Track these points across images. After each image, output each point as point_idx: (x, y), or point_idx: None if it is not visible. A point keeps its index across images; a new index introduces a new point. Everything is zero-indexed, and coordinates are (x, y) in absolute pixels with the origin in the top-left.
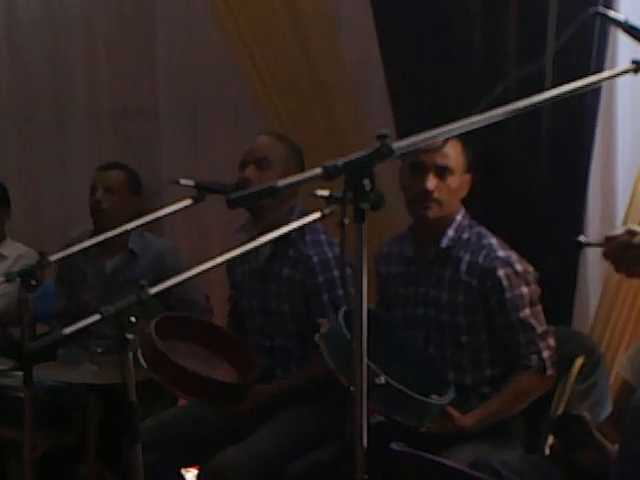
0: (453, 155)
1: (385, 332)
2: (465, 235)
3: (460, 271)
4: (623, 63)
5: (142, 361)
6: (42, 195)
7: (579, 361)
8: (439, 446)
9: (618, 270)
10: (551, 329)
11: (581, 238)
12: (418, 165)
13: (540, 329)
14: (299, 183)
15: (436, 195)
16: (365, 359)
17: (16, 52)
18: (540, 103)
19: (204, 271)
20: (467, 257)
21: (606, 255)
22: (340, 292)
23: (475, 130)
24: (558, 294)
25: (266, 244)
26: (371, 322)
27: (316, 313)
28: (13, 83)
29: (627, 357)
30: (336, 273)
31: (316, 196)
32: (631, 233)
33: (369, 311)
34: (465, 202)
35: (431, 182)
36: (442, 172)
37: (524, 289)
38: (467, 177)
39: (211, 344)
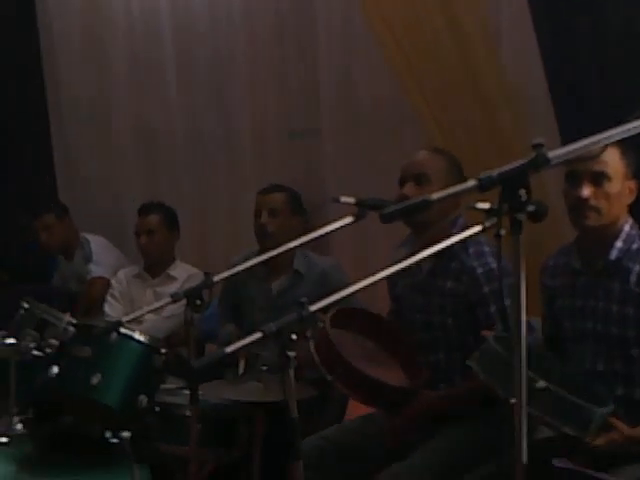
0: (610, 161)
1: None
2: (635, 245)
3: (630, 282)
4: None
5: (315, 356)
6: (211, 218)
7: None
8: (607, 466)
9: None
10: None
11: None
12: (573, 173)
13: None
14: (453, 196)
15: (593, 203)
16: (525, 370)
17: (184, 86)
18: None
19: (365, 286)
20: (637, 268)
21: None
22: (507, 302)
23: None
24: None
25: (428, 258)
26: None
27: (484, 324)
28: (183, 111)
29: None
30: (503, 283)
31: (475, 209)
32: None
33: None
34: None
35: (586, 189)
36: (598, 179)
37: None
38: (631, 184)
39: (384, 340)
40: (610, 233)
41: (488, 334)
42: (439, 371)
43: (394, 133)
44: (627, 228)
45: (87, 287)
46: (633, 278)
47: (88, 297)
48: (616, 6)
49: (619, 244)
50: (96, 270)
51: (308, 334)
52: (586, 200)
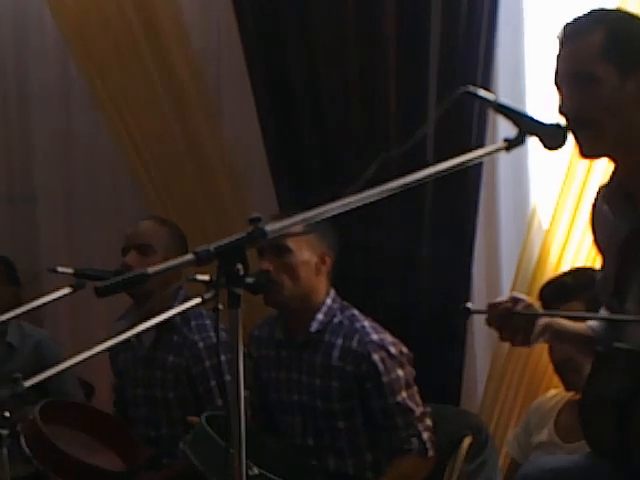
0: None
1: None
2: (336, 319)
3: (332, 357)
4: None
5: (25, 448)
6: None
7: (467, 441)
8: None
9: (502, 338)
10: (428, 410)
11: (468, 305)
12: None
13: (418, 411)
14: (171, 269)
15: (274, 277)
16: (243, 453)
17: None
18: (414, 183)
19: (81, 361)
20: (339, 342)
21: (489, 322)
22: (227, 378)
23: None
24: (446, 374)
25: (150, 330)
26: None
27: (204, 399)
28: None
29: (514, 435)
30: (223, 358)
31: (196, 280)
32: (515, 301)
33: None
34: (340, 285)
35: (266, 263)
36: (280, 252)
37: (400, 372)
38: (324, 255)
39: (96, 431)
40: (309, 306)
41: (195, 421)
42: (162, 446)
43: (114, 202)
44: (329, 301)
45: None
46: (336, 352)
47: None
48: (338, 89)
49: (320, 317)
50: None
51: (18, 428)
52: (267, 273)
